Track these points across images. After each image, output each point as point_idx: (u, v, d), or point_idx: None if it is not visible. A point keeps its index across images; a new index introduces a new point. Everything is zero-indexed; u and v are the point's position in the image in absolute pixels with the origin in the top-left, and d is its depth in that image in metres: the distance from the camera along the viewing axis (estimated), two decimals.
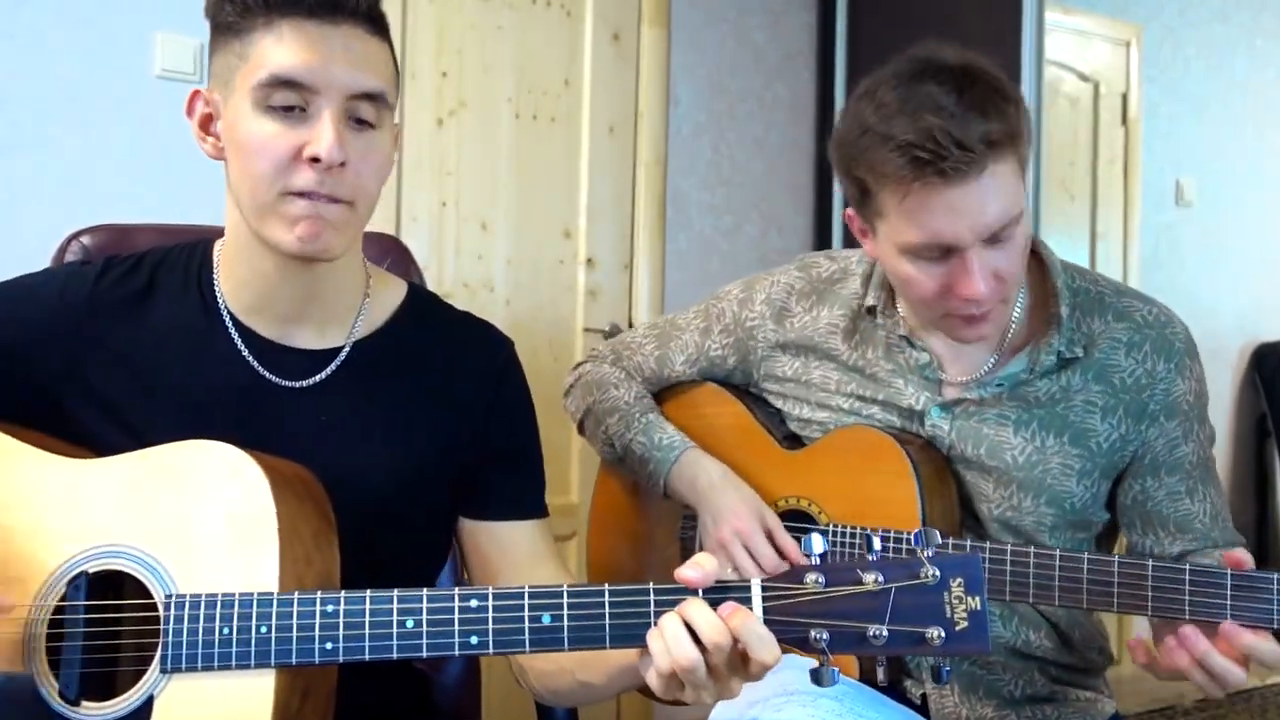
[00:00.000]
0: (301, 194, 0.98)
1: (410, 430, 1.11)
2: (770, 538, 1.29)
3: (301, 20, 0.98)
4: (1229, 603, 1.05)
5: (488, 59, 2.51)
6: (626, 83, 2.70)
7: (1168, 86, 3.51)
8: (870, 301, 1.31)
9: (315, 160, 0.97)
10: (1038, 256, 1.28)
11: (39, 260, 1.30)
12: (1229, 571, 1.06)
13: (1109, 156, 3.33)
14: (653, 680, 0.87)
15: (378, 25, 1.03)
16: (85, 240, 1.35)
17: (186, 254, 1.13)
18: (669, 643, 0.85)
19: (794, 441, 1.39)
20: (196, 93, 1.05)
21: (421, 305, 1.18)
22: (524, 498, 1.17)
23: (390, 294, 1.17)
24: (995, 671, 1.30)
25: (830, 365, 1.35)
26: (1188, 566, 1.08)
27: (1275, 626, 1.04)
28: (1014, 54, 2.52)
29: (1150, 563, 1.09)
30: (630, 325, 2.69)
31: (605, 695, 1.06)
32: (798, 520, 1.34)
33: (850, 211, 1.23)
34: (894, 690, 1.29)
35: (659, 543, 1.50)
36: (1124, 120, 3.37)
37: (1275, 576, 1.04)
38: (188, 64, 2.18)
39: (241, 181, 1.01)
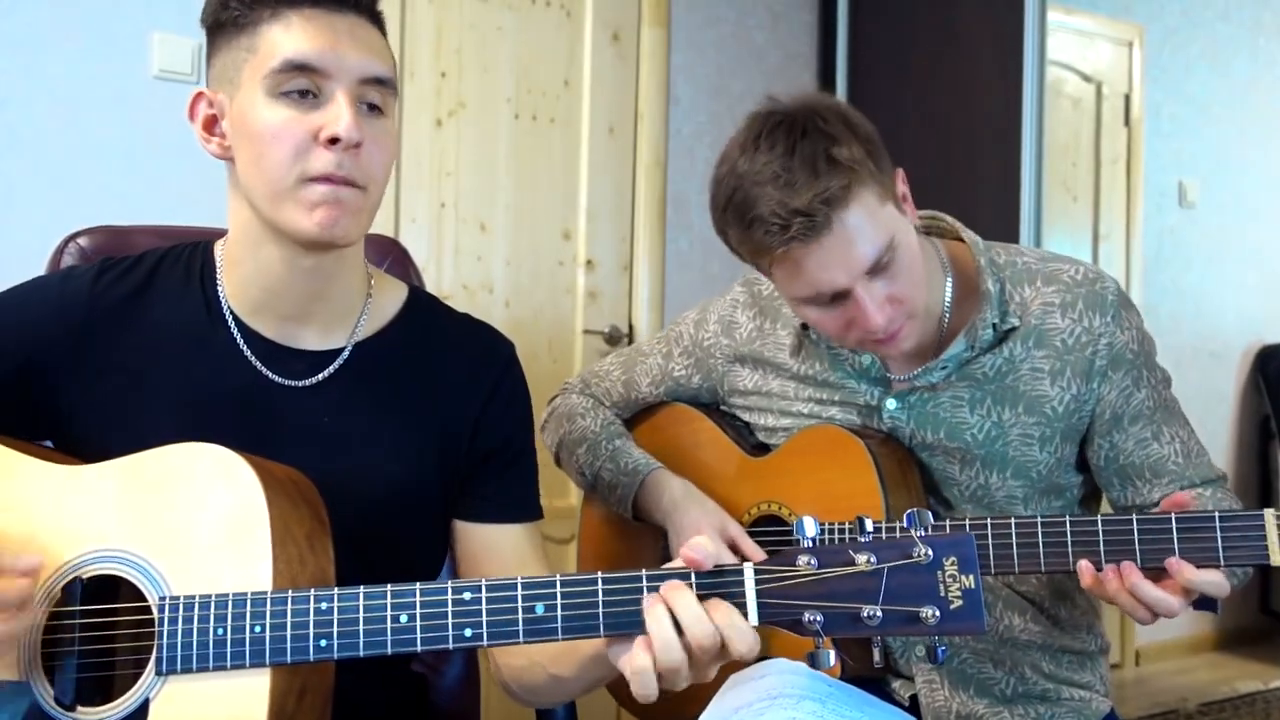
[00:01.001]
0: (320, 179, 0.99)
1: (410, 431, 1.12)
2: (734, 547, 1.31)
3: (309, 9, 1.00)
4: (1176, 546, 1.08)
5: (487, 59, 2.50)
6: (626, 83, 2.69)
7: (1170, 87, 3.50)
8: (802, 320, 1.35)
9: (333, 141, 0.98)
10: (961, 240, 1.32)
11: (36, 261, 1.30)
12: (1173, 515, 1.09)
13: (1111, 157, 3.33)
14: (628, 670, 0.87)
15: (378, 20, 1.06)
16: (82, 241, 1.34)
17: (187, 254, 1.14)
18: (656, 642, 0.85)
19: (762, 450, 1.41)
20: (199, 94, 1.06)
21: (422, 307, 1.19)
22: (516, 500, 1.17)
23: (391, 296, 1.17)
24: (987, 669, 1.30)
25: (785, 377, 1.38)
26: (1134, 517, 1.11)
27: (1221, 564, 1.07)
28: (1016, 54, 2.52)
29: (1099, 518, 1.12)
30: (630, 327, 2.69)
31: (576, 689, 1.06)
32: (770, 524, 1.36)
33: (750, 266, 1.28)
34: (880, 690, 1.30)
35: (644, 567, 1.51)
36: (1126, 121, 3.37)
37: (1215, 514, 1.07)
38: (185, 64, 2.17)
39: (255, 173, 1.01)
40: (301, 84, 0.99)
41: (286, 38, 0.99)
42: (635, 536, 1.48)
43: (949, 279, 1.30)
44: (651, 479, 1.39)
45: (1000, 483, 1.28)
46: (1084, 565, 1.10)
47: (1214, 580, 1.07)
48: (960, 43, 2.66)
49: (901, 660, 1.31)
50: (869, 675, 1.28)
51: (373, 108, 1.02)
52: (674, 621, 0.85)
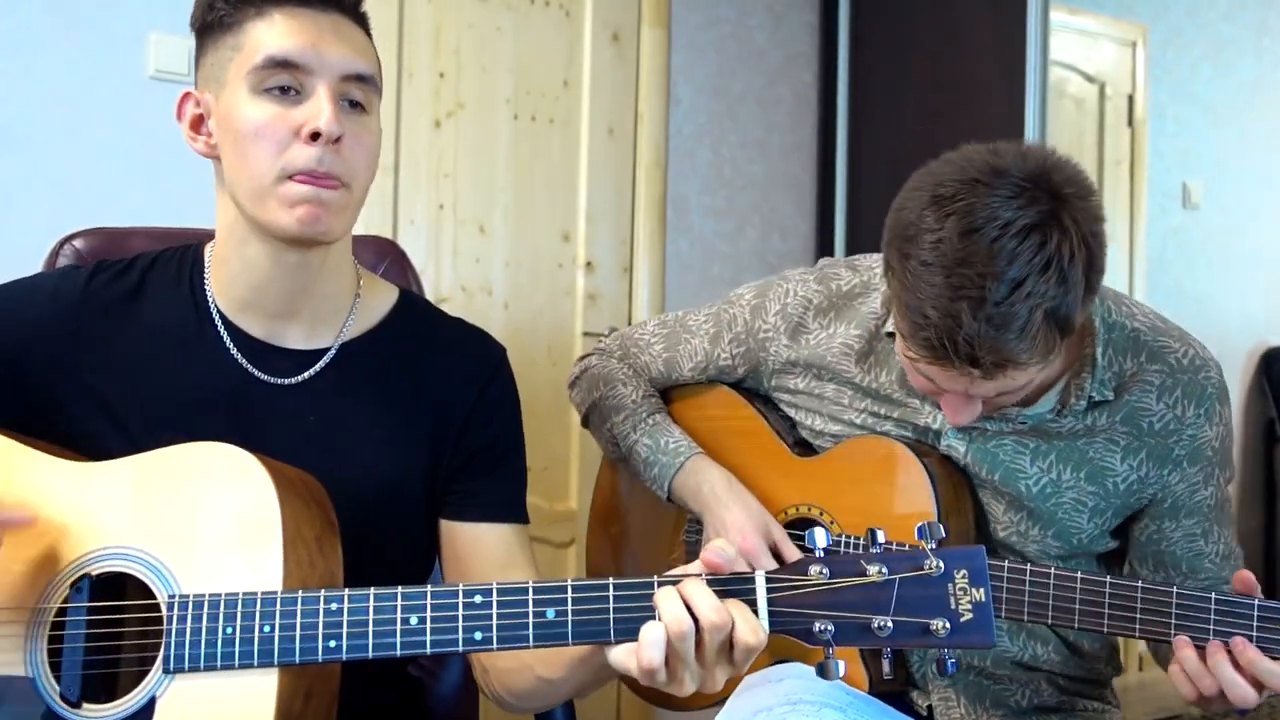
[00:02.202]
0: (301, 176, 1.00)
1: (398, 432, 1.12)
2: (775, 552, 1.28)
3: (292, 7, 1.03)
4: (1254, 633, 1.04)
5: (485, 60, 2.49)
6: (626, 84, 2.68)
7: (1174, 87, 3.49)
8: (890, 328, 1.25)
9: (314, 137, 0.99)
10: None
11: (31, 263, 1.30)
12: (1255, 601, 1.04)
13: (1115, 158, 3.31)
14: (632, 664, 0.87)
15: (362, 20, 1.08)
16: (77, 244, 1.35)
17: (178, 256, 1.15)
18: (666, 616, 0.84)
19: (806, 449, 1.37)
20: (187, 94, 1.08)
21: (412, 310, 1.19)
22: (502, 501, 1.17)
23: (381, 298, 1.18)
24: (1002, 682, 1.29)
25: (843, 384, 1.32)
26: (1213, 595, 1.06)
27: None
28: (1018, 54, 2.51)
29: (1175, 589, 1.08)
30: None
31: (565, 691, 1.07)
32: (805, 527, 1.32)
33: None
34: (900, 701, 1.28)
35: (661, 544, 1.47)
36: (1130, 122, 3.35)
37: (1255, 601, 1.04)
38: (181, 65, 2.16)
39: (239, 169, 1.03)
40: (283, 80, 1.01)
41: (270, 34, 1.02)
42: (655, 512, 1.45)
43: None
44: (692, 464, 1.35)
45: (1039, 537, 1.24)
46: (1182, 640, 1.06)
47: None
48: (962, 43, 2.65)
49: (919, 675, 1.30)
50: (890, 689, 1.27)
51: (355, 105, 1.04)
52: (685, 605, 0.85)
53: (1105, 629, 1.11)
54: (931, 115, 2.66)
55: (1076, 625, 1.12)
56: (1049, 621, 1.14)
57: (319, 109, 1.00)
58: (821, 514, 1.32)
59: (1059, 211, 1.02)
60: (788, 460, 1.35)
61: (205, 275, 1.12)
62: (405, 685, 1.26)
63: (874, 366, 1.30)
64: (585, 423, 1.50)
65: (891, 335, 1.25)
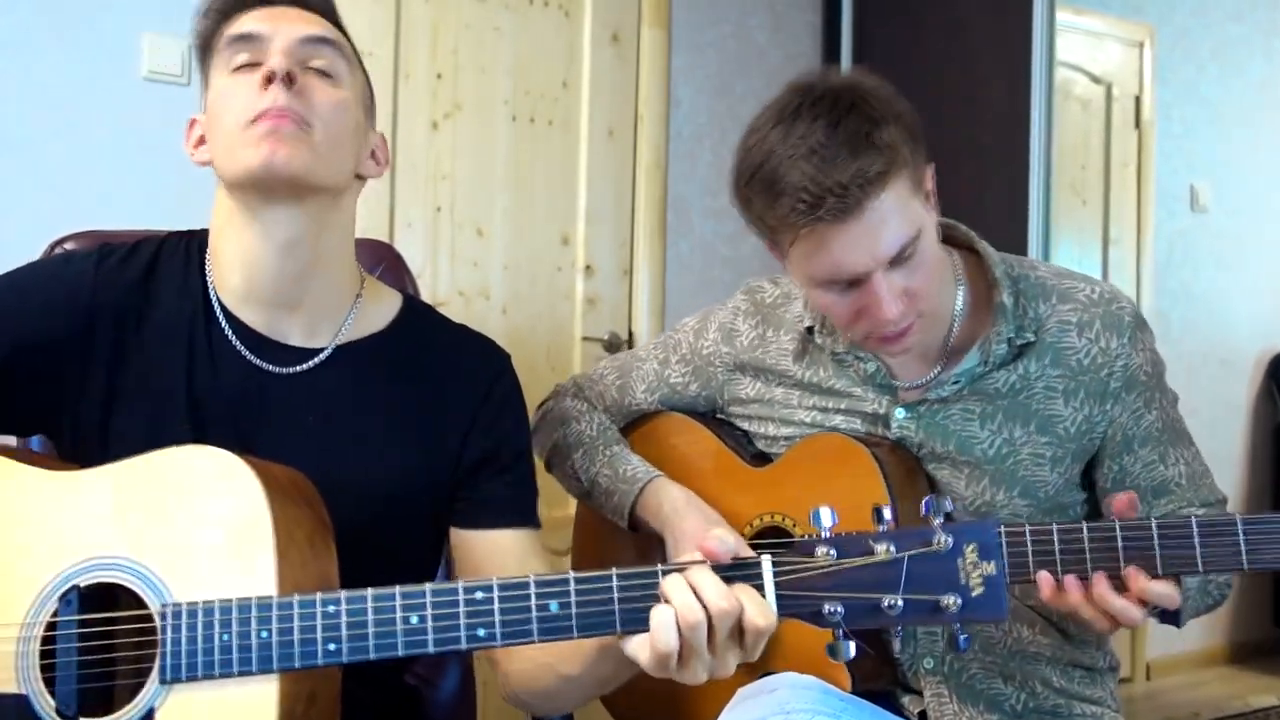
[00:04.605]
0: (260, 119, 1.04)
1: (397, 435, 1.13)
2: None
3: (255, 6, 1.10)
4: (1119, 551, 1.04)
5: (484, 60, 2.48)
6: (626, 85, 2.67)
7: (1181, 88, 3.47)
8: (808, 322, 1.34)
9: (269, 80, 1.04)
10: (974, 251, 1.30)
11: None
12: (1117, 522, 1.05)
13: (1121, 160, 3.30)
14: (644, 656, 0.87)
15: (330, 16, 1.13)
16: (70, 246, 1.35)
17: (185, 245, 1.16)
18: (677, 602, 0.84)
19: (763, 460, 1.38)
20: (193, 120, 1.13)
21: (417, 316, 1.20)
22: (512, 506, 1.17)
23: (385, 304, 1.18)
24: (997, 684, 1.29)
25: (790, 386, 1.36)
26: (1084, 525, 1.07)
27: (1159, 572, 1.03)
28: (1024, 55, 2.50)
29: (1054, 526, 1.08)
30: (630, 334, 2.68)
31: (590, 686, 1.05)
32: (773, 537, 1.33)
33: (766, 241, 1.26)
34: (890, 703, 1.28)
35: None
36: (1137, 123, 3.34)
37: (1153, 522, 1.04)
38: (175, 65, 2.16)
39: (216, 141, 1.07)
40: (245, 56, 1.06)
41: (235, 26, 1.08)
42: (631, 546, 1.44)
43: (961, 287, 1.28)
44: (651, 487, 1.37)
45: (1006, 500, 1.26)
46: (1044, 576, 1.05)
47: (1165, 592, 1.03)
48: (967, 43, 2.64)
49: (910, 674, 1.29)
50: (879, 688, 1.28)
51: (321, 73, 1.08)
52: (694, 592, 0.84)
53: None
54: (935, 117, 2.62)
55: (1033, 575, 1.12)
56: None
57: (270, 56, 1.05)
58: (784, 519, 1.32)
59: (851, 89, 1.16)
60: (746, 473, 1.37)
61: (206, 267, 1.14)
62: (401, 693, 1.25)
63: (812, 363, 1.35)
64: (549, 467, 1.51)
65: (811, 330, 1.33)
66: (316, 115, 1.06)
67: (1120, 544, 1.03)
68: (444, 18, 2.43)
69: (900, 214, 1.14)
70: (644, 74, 2.68)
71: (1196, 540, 1.02)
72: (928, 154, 1.19)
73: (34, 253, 1.34)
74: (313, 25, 1.09)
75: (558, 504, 2.46)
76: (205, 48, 1.11)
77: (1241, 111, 3.63)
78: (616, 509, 1.39)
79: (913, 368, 1.29)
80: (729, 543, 0.87)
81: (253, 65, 1.06)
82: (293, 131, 1.04)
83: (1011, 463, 1.25)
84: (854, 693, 1.20)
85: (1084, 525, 1.05)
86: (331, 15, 1.13)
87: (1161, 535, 1.03)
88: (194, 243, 1.16)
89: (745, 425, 1.41)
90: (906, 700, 1.30)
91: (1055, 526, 1.06)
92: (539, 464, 1.51)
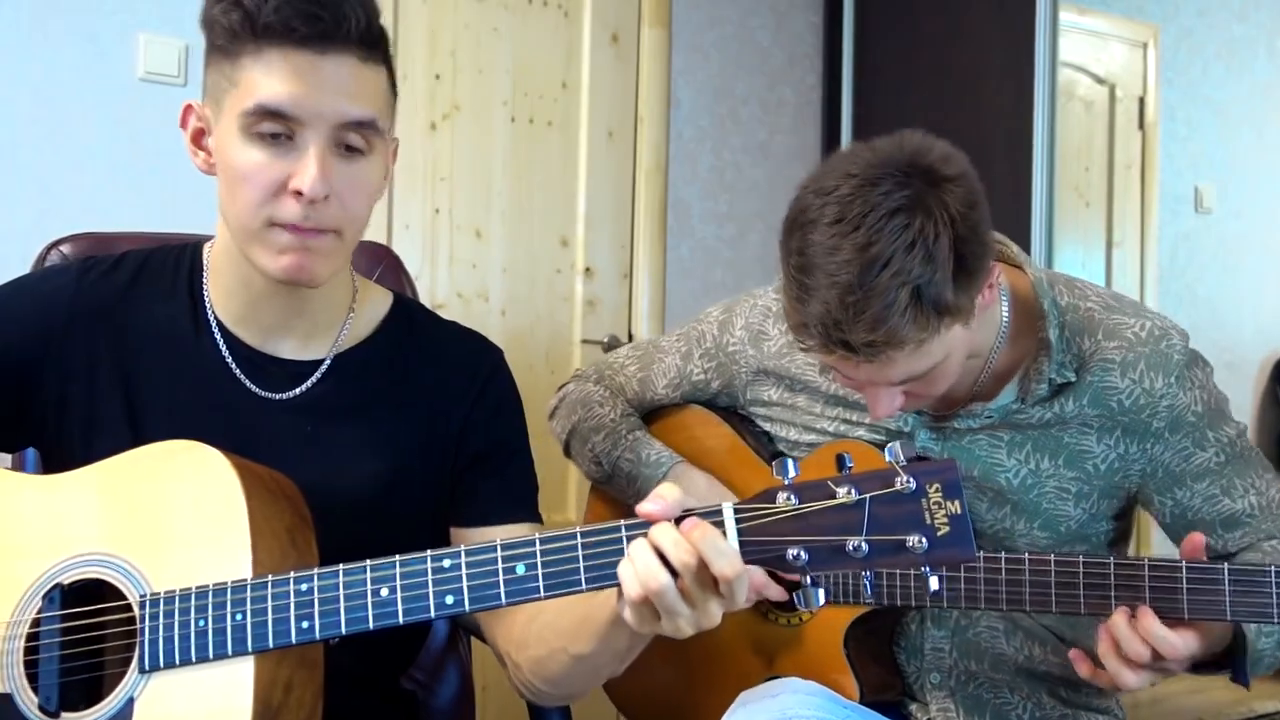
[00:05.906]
0: (287, 226, 0.99)
1: (393, 439, 1.12)
2: None
3: (291, 50, 0.97)
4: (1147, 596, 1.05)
5: (482, 61, 2.47)
6: (626, 86, 2.66)
7: (1186, 89, 3.46)
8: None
9: (299, 194, 0.98)
10: (1020, 270, 1.25)
11: (17, 269, 1.30)
12: (1142, 561, 1.05)
13: (1125, 162, 3.28)
14: (627, 613, 0.87)
15: (373, 50, 1.02)
16: (65, 249, 1.34)
17: (174, 256, 1.14)
18: (639, 569, 0.85)
19: None
20: (189, 106, 1.06)
21: (407, 315, 1.19)
22: (512, 501, 1.16)
23: (376, 305, 1.17)
24: (1003, 694, 1.28)
25: (813, 395, 1.34)
26: (1112, 560, 1.08)
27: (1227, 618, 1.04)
28: (1027, 56, 2.49)
29: (1112, 560, 1.08)
30: (630, 337, 2.68)
31: (605, 663, 1.01)
32: None
33: None
34: (897, 712, 1.27)
35: None
36: (1141, 124, 3.32)
37: (1183, 565, 1.03)
38: (172, 66, 2.15)
39: (230, 205, 1.02)
40: (274, 128, 0.98)
41: (264, 80, 0.97)
42: None
43: (1006, 315, 1.21)
44: (674, 472, 1.36)
45: (1026, 530, 1.23)
46: (1076, 655, 1.07)
47: (1167, 638, 1.02)
48: (970, 44, 2.63)
49: (917, 688, 1.29)
50: (888, 700, 1.27)
51: (351, 150, 1.00)
52: (656, 551, 0.85)
53: (1054, 609, 1.11)
54: (938, 118, 2.63)
55: (1028, 608, 1.13)
56: (1003, 607, 1.14)
57: (305, 167, 0.97)
58: None
59: (925, 195, 1.04)
60: (765, 474, 1.35)
61: (205, 280, 1.12)
62: (399, 699, 1.24)
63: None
64: (567, 450, 1.50)
65: None
66: (347, 219, 1.02)
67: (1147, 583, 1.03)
68: (442, 18, 2.42)
69: (920, 358, 1.07)
70: (644, 75, 2.67)
71: (1227, 587, 1.01)
72: (993, 255, 1.09)
73: (29, 253, 1.34)
74: (350, 99, 0.99)
75: (556, 508, 2.46)
76: (216, 50, 1.01)
77: (1247, 112, 3.61)
78: (639, 494, 1.36)
79: (945, 395, 1.23)
80: (669, 499, 0.86)
81: (277, 136, 0.98)
82: (321, 244, 1.00)
83: (1035, 494, 1.22)
84: (862, 704, 1.20)
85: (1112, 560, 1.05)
86: (378, 44, 1.03)
87: (1190, 579, 1.02)
88: (186, 252, 1.14)
89: (767, 426, 1.40)
90: (914, 709, 1.29)
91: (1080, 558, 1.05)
92: (556, 449, 1.50)
